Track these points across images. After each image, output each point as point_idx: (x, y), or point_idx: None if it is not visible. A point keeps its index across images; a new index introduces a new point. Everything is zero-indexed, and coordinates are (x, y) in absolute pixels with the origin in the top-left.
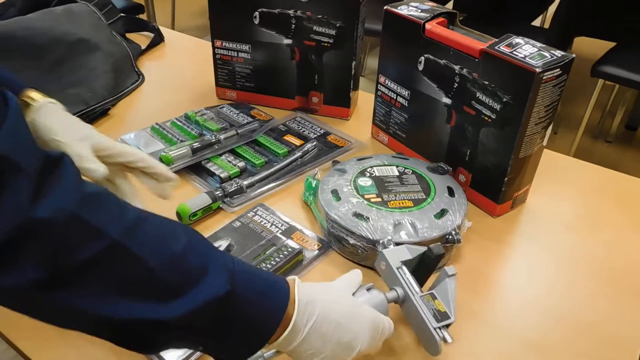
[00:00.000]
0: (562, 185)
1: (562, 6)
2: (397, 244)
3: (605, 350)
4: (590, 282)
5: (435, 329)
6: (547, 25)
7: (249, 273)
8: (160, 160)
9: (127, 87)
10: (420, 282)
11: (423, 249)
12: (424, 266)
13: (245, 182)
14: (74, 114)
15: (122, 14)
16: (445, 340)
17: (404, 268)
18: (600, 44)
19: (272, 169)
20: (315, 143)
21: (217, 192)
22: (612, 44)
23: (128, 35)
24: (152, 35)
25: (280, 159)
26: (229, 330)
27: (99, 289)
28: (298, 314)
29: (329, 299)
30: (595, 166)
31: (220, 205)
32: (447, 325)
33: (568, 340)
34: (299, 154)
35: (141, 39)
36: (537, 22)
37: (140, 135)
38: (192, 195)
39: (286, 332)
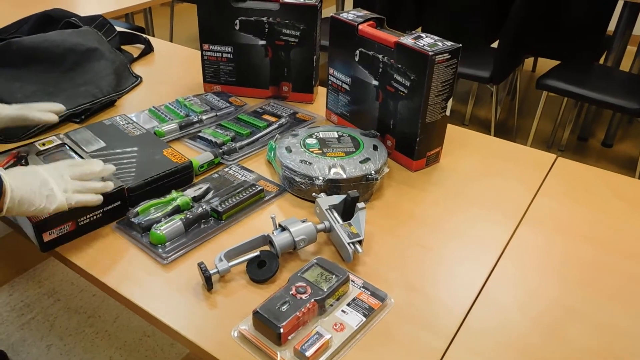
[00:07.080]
0: (469, 151)
1: (509, 28)
2: (331, 180)
3: (479, 245)
4: (478, 210)
5: (348, 243)
6: None
7: None
8: (155, 134)
9: (128, 85)
10: (348, 218)
11: (344, 196)
12: (348, 207)
13: (237, 144)
14: (84, 104)
15: (118, 31)
16: (357, 251)
17: (333, 210)
18: (552, 64)
19: (257, 135)
20: (287, 118)
21: (220, 150)
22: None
23: (123, 47)
24: (142, 46)
25: (261, 130)
26: None
27: None
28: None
29: (16, 171)
30: (496, 138)
31: (220, 161)
32: (360, 242)
33: (450, 242)
34: (276, 125)
35: (133, 49)
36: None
37: (140, 115)
38: (194, 156)
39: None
